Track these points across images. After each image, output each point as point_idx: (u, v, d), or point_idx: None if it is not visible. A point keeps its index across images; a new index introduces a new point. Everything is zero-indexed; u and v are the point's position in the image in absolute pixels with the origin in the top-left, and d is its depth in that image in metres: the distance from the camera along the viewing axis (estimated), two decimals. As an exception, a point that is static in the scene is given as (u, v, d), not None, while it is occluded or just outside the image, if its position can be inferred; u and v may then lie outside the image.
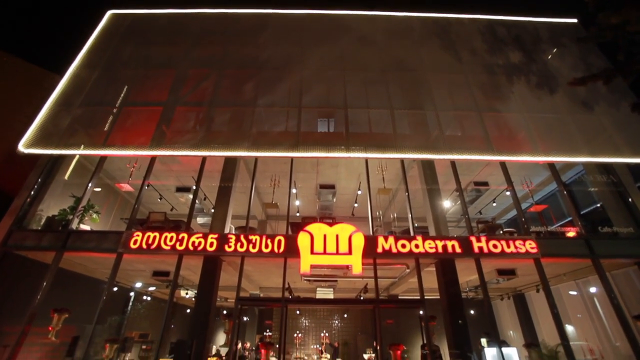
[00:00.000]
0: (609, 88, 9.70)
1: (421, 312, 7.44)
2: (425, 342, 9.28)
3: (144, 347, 9.92)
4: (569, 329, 11.82)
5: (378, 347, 10.73)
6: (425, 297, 7.48)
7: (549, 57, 11.82)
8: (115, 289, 12.83)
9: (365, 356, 11.75)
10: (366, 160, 9.56)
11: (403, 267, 9.23)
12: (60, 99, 10.01)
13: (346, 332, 17.42)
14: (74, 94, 10.14)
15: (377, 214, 12.36)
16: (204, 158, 9.38)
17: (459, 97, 10.63)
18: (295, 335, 15.84)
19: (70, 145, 9.21)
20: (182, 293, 11.55)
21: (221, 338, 17.18)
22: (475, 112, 10.17)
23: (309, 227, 7.89)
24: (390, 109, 10.15)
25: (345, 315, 17.41)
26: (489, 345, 7.63)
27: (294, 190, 11.42)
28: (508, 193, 11.74)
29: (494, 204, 12.53)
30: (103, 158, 9.35)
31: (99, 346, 11.72)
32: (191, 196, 10.76)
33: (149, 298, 13.43)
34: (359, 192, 11.53)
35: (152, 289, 12.98)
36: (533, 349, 7.46)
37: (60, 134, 9.34)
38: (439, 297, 7.92)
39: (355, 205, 12.22)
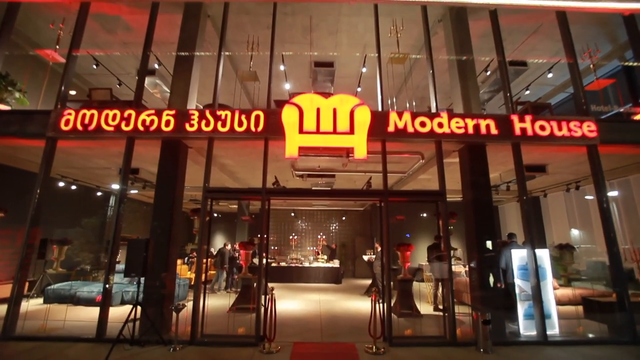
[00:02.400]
0: None
1: (439, 207, 5.92)
2: (437, 242, 8.13)
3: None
4: (575, 232, 10.93)
5: (379, 248, 9.83)
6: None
7: None
8: (99, 193, 11.63)
9: (365, 257, 10.99)
10: (375, 6, 6.96)
11: (416, 158, 7.50)
12: None
13: (344, 234, 16.98)
14: None
15: (388, 101, 10.16)
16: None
17: None
18: (291, 237, 15.34)
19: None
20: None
21: (220, 241, 16.83)
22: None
23: (297, 99, 5.84)
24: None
25: (344, 218, 16.72)
26: (511, 246, 6.32)
27: (282, 68, 9.00)
28: (550, 75, 9.46)
29: (527, 92, 10.25)
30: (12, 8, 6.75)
31: (78, 249, 10.96)
32: (158, 80, 8.52)
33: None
34: (364, 70, 9.12)
35: (134, 191, 11.66)
36: (568, 250, 6.18)
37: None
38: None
39: (359, 89, 9.93)
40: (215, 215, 16.84)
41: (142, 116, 5.91)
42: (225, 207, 16.34)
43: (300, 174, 8.67)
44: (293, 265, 13.47)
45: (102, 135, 5.95)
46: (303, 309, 8.08)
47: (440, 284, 7.82)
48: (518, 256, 6.02)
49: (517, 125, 6.02)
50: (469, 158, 6.21)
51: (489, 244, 6.17)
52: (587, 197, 10.84)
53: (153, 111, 5.97)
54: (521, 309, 5.82)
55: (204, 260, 5.71)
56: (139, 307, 5.10)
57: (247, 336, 5.41)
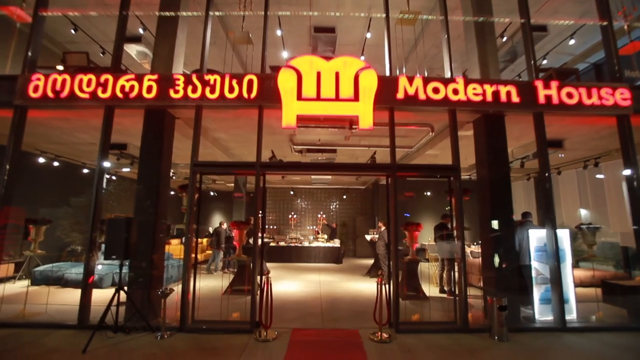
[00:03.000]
0: None
1: (452, 183, 5.38)
2: (445, 222, 7.66)
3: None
4: (584, 212, 10.46)
5: (382, 227, 9.38)
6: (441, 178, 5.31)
7: None
8: (86, 171, 11.01)
9: (368, 237, 10.58)
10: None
11: (424, 131, 6.89)
12: None
13: (344, 213, 16.57)
14: None
15: (397, 71, 9.40)
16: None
17: None
18: (290, 216, 14.93)
19: None
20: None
21: (217, 221, 16.43)
22: None
23: (295, 61, 5.16)
24: None
25: (345, 197, 16.26)
26: (526, 226, 5.84)
27: (278, 33, 8.20)
28: (572, 42, 8.66)
29: (545, 62, 9.46)
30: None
31: (67, 229, 10.50)
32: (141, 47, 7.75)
33: (113, 178, 11.70)
34: (368, 36, 8.33)
35: (126, 170, 11.11)
36: (589, 231, 5.69)
37: None
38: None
39: (362, 58, 9.15)
40: (212, 194, 16.38)
41: (121, 81, 5.25)
42: (222, 185, 15.84)
43: (299, 149, 8.08)
44: (292, 244, 13.12)
45: (77, 103, 5.32)
46: (302, 291, 7.71)
47: (446, 265, 7.42)
48: (535, 237, 5.54)
49: (542, 93, 5.37)
50: (485, 130, 5.60)
51: (494, 223, 5.71)
52: (598, 176, 10.31)
53: (133, 76, 5.30)
54: (537, 293, 5.40)
55: (194, 241, 5.22)
56: (122, 293, 4.66)
57: (241, 322, 5.01)
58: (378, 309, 4.73)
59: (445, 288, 7.41)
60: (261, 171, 5.16)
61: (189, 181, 5.15)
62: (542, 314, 5.34)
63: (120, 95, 5.24)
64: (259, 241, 5.24)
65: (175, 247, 10.35)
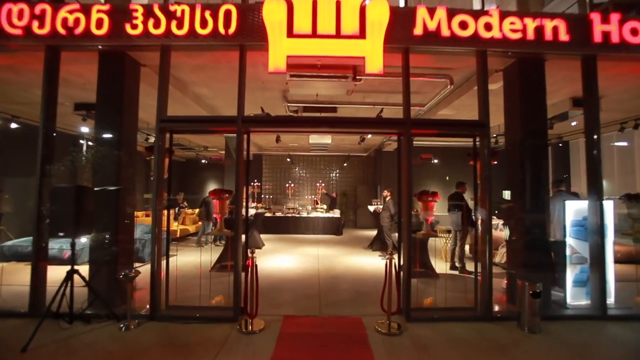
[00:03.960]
0: None
1: (478, 143, 4.40)
2: (460, 191, 6.76)
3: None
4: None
5: (387, 197, 8.50)
6: (455, 145, 4.29)
7: None
8: (56, 135, 9.87)
9: (371, 207, 9.75)
10: None
11: (441, 84, 5.80)
12: None
13: (345, 182, 15.71)
14: None
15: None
16: None
17: None
18: (287, 185, 14.07)
19: None
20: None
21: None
22: None
23: (284, -15, 3.98)
24: None
25: (345, 164, 15.30)
26: (560, 196, 4.95)
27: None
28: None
29: None
30: None
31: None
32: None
33: (90, 144, 10.64)
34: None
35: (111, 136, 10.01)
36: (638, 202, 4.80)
37: None
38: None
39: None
40: (203, 161, 15.40)
41: (62, 13, 4.10)
42: (214, 152, 14.84)
43: (294, 107, 7.01)
44: (290, 215, 12.37)
45: (8, 42, 4.20)
46: (299, 267, 6.98)
47: (459, 239, 6.62)
48: (573, 209, 4.66)
49: (598, 28, 4.23)
50: (519, 80, 4.54)
51: (506, 194, 4.84)
52: (616, 143, 9.32)
53: (78, 6, 4.14)
54: (571, 274, 4.60)
55: (165, 213, 4.34)
56: (78, 277, 3.84)
57: (224, 307, 4.25)
58: (388, 294, 3.94)
59: (457, 264, 6.66)
60: (244, 127, 4.15)
61: (155, 140, 4.16)
62: (575, 298, 4.58)
63: (62, 31, 4.11)
64: (243, 213, 4.37)
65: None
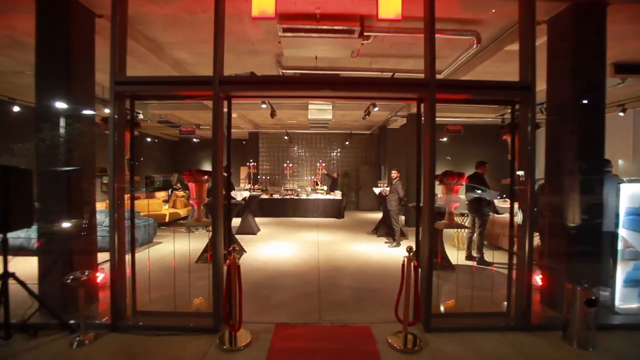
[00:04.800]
0: None
1: (518, 111, 3.49)
2: (480, 172, 5.91)
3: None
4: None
5: (396, 177, 7.60)
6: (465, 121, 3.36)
7: None
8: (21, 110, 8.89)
9: (376, 189, 8.92)
10: None
11: (466, 44, 4.83)
12: None
13: (347, 162, 14.83)
14: None
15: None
16: None
17: None
18: (285, 165, 13.20)
19: None
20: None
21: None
22: None
23: None
24: None
25: (347, 143, 14.37)
26: (609, 179, 4.11)
27: None
28: None
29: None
30: None
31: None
32: None
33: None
34: None
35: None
36: None
37: None
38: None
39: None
40: (196, 140, 14.47)
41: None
42: (207, 130, 13.89)
43: (290, 74, 6.04)
44: (288, 197, 11.57)
45: None
46: (296, 257, 6.24)
47: (478, 226, 5.83)
48: (628, 194, 3.81)
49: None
50: (574, 29, 3.58)
51: (520, 173, 3.99)
52: None
53: None
54: (622, 271, 3.82)
55: (127, 197, 3.49)
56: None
57: (203, 314, 3.50)
58: (404, 299, 3.17)
59: (475, 254, 5.91)
60: (222, 90, 3.22)
61: (110, 109, 3.26)
62: (625, 300, 3.82)
63: (-18, -37, 3.14)
64: (223, 198, 3.54)
65: (140, 203, 8.76)
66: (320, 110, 9.25)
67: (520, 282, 3.50)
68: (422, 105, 3.55)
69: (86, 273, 3.13)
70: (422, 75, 3.49)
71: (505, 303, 3.66)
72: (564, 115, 3.70)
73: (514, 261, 3.59)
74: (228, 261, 3.08)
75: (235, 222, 8.90)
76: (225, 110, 3.56)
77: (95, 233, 3.96)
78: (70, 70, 3.53)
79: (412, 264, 3.06)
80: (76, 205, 3.62)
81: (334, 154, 14.82)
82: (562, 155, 3.73)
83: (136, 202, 3.65)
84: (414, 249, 3.14)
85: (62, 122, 3.49)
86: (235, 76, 3.81)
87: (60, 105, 3.49)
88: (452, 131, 3.49)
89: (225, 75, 3.27)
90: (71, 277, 3.04)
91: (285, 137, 13.77)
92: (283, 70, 5.87)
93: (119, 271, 3.37)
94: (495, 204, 6.33)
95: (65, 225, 3.52)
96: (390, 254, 6.49)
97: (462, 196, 6.15)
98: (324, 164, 13.92)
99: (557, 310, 3.61)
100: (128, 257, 3.52)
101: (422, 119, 3.55)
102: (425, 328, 3.34)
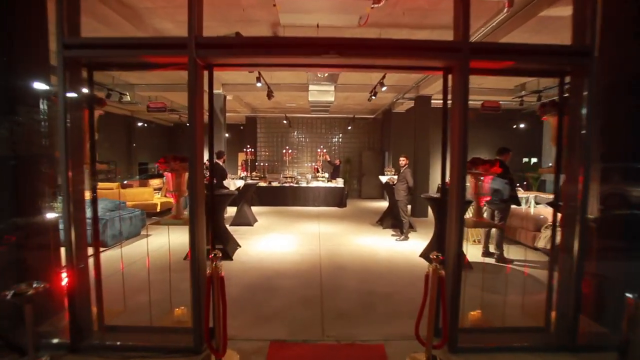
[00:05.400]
0: None
1: (573, 82, 2.80)
2: (501, 159, 5.26)
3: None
4: None
5: (405, 165, 6.91)
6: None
7: None
8: None
9: (383, 178, 8.27)
10: None
11: (495, 8, 4.11)
12: None
13: (349, 148, 14.15)
14: None
15: None
16: None
17: None
18: (284, 151, 12.53)
19: None
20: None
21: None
22: None
23: None
24: None
25: (349, 128, 13.65)
26: None
27: None
28: None
29: None
30: None
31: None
32: None
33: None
34: None
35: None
36: None
37: None
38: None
39: None
40: (188, 124, 13.69)
41: None
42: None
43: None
44: (287, 185, 10.95)
45: None
46: (295, 253, 5.66)
47: (498, 220, 5.22)
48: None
49: None
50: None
51: (533, 161, 3.33)
52: None
53: None
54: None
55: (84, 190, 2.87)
56: None
57: (183, 330, 2.92)
58: (421, 312, 2.58)
59: (494, 250, 5.33)
60: (200, 56, 2.52)
61: (58, 80, 2.58)
62: (682, 309, 3.24)
63: None
64: (202, 190, 2.91)
65: (130, 192, 8.15)
66: (321, 92, 8.53)
67: (564, 291, 2.90)
68: (449, 77, 2.86)
69: (34, 285, 2.53)
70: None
71: (545, 316, 3.08)
72: (627, 93, 3.02)
73: (555, 264, 2.99)
74: (209, 270, 2.47)
75: (231, 211, 8.32)
76: (207, 84, 2.88)
77: (58, 229, 3.35)
78: (13, 34, 2.84)
79: (439, 275, 2.45)
80: (30, 198, 3.00)
81: (336, 139, 14.12)
82: (620, 140, 3.07)
83: (125, 191, 3.07)
84: (441, 256, 2.52)
85: (3, 98, 2.83)
86: (216, 37, 3.12)
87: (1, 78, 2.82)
88: (488, 108, 2.81)
89: (205, 37, 2.57)
90: (12, 291, 2.44)
91: (285, 122, 13.04)
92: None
93: (79, 277, 2.77)
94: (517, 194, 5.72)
95: (16, 222, 2.92)
96: (398, 249, 5.92)
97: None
98: (325, 150, 13.24)
99: (606, 326, 3.03)
100: (113, 253, 2.92)
101: (450, 95, 2.88)
102: (450, 348, 2.76)
